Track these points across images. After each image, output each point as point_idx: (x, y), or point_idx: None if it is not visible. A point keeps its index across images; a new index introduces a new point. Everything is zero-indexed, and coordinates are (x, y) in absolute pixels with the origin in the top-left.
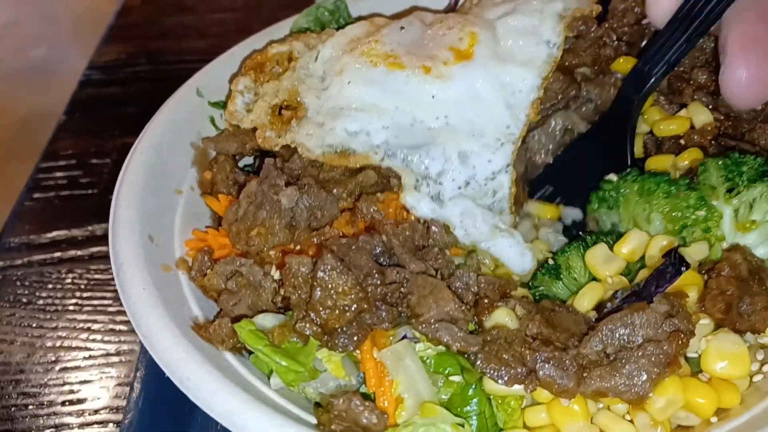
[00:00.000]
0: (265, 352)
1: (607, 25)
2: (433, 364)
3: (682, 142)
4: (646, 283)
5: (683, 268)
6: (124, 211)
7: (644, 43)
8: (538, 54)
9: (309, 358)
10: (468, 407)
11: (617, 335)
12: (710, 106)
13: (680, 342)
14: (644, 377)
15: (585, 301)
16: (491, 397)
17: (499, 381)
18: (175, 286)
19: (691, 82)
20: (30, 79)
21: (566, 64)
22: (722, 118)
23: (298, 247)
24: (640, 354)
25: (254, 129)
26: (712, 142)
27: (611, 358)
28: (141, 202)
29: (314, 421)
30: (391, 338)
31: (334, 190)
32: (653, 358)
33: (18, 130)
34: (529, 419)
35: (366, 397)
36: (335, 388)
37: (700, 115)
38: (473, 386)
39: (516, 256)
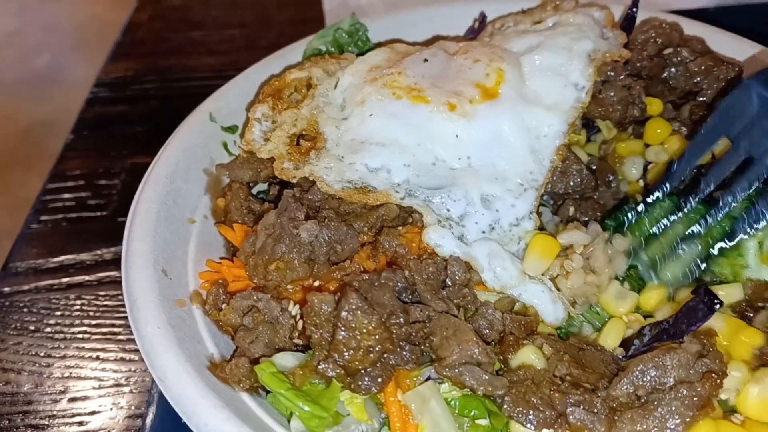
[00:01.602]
0: (287, 396)
1: (639, 84)
2: (458, 406)
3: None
4: (676, 320)
5: (717, 306)
6: (137, 244)
7: (665, 74)
8: (565, 98)
9: (332, 402)
10: None
11: (648, 377)
12: None
13: (714, 383)
14: (677, 420)
15: (609, 340)
16: None
17: (528, 425)
18: (189, 323)
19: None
20: (33, 87)
21: (592, 114)
22: None
23: (317, 283)
24: (672, 396)
25: (271, 158)
26: None
27: (642, 400)
28: (154, 233)
29: None
30: (415, 379)
31: (355, 224)
32: (686, 401)
33: (20, 139)
34: None
35: None
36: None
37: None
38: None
39: (548, 303)
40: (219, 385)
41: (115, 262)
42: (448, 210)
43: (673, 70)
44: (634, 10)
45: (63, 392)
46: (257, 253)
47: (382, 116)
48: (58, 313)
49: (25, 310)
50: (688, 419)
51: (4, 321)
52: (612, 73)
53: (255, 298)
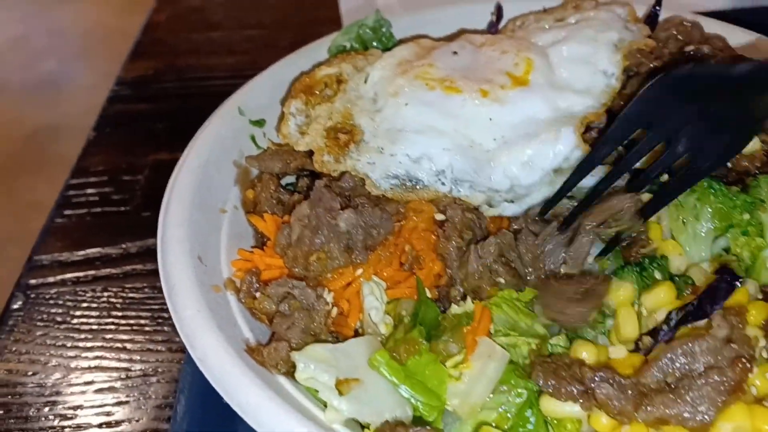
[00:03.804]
0: (404, 386)
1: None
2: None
3: (729, 165)
4: (700, 302)
5: (737, 283)
6: (173, 230)
7: None
8: (596, 84)
9: (442, 387)
10: (522, 429)
11: (677, 365)
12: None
13: (743, 368)
14: (708, 404)
15: (629, 329)
16: (548, 420)
17: (555, 396)
18: (225, 308)
19: None
20: (38, 92)
21: (617, 107)
22: None
23: (359, 271)
24: (703, 382)
25: (310, 152)
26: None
27: (672, 386)
28: (190, 220)
29: None
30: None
31: (387, 207)
32: (717, 386)
33: (26, 144)
34: None
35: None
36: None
37: None
38: (531, 407)
39: None
40: (257, 367)
41: (141, 255)
42: (496, 191)
43: None
44: (658, 8)
45: (90, 383)
46: (295, 245)
47: (417, 104)
48: (85, 305)
49: (51, 302)
50: (719, 403)
51: (30, 313)
52: (643, 59)
53: (290, 285)
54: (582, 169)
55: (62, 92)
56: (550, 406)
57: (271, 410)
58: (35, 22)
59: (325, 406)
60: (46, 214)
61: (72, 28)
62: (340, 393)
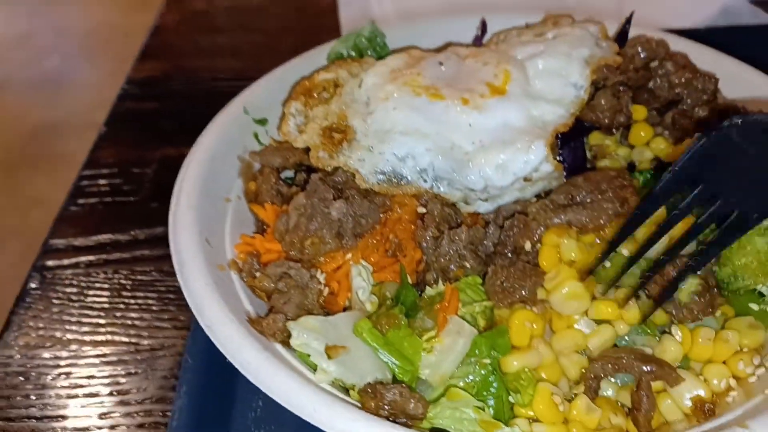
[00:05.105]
0: (383, 351)
1: (621, 78)
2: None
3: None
4: None
5: None
6: (184, 215)
7: (650, 84)
8: (566, 95)
9: (417, 355)
10: (486, 392)
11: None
12: None
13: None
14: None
15: None
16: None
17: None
18: (229, 284)
19: (694, 118)
20: (41, 89)
21: (585, 118)
22: None
23: (349, 255)
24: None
25: (307, 149)
26: None
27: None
28: (198, 207)
29: (358, 404)
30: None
31: (375, 199)
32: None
33: (29, 139)
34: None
35: (410, 388)
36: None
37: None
38: (494, 374)
39: None
40: (257, 334)
41: (148, 242)
42: (472, 190)
43: (657, 81)
44: (627, 26)
45: (101, 356)
46: (291, 231)
47: (405, 109)
48: (97, 285)
49: (66, 282)
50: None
51: (46, 292)
52: (609, 74)
53: (287, 266)
54: (630, 223)
55: (65, 90)
56: (509, 362)
57: (269, 368)
58: (40, 19)
59: (316, 369)
60: (46, 209)
61: (76, 27)
62: (329, 357)
